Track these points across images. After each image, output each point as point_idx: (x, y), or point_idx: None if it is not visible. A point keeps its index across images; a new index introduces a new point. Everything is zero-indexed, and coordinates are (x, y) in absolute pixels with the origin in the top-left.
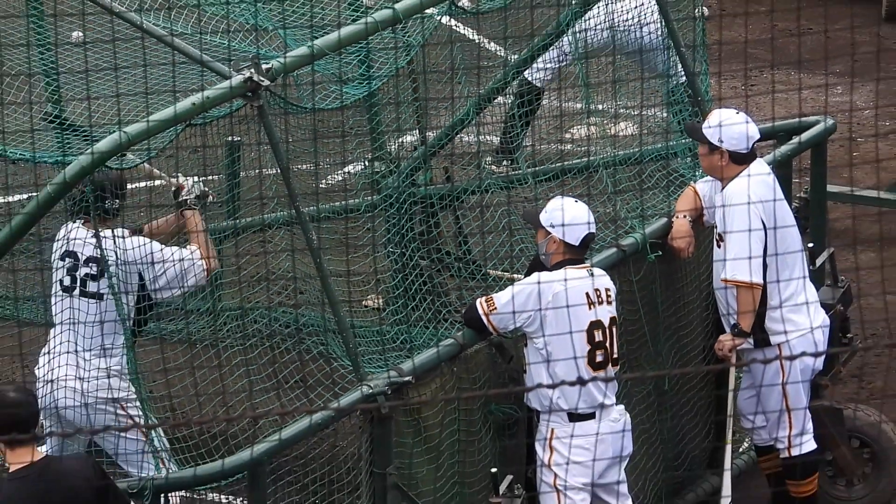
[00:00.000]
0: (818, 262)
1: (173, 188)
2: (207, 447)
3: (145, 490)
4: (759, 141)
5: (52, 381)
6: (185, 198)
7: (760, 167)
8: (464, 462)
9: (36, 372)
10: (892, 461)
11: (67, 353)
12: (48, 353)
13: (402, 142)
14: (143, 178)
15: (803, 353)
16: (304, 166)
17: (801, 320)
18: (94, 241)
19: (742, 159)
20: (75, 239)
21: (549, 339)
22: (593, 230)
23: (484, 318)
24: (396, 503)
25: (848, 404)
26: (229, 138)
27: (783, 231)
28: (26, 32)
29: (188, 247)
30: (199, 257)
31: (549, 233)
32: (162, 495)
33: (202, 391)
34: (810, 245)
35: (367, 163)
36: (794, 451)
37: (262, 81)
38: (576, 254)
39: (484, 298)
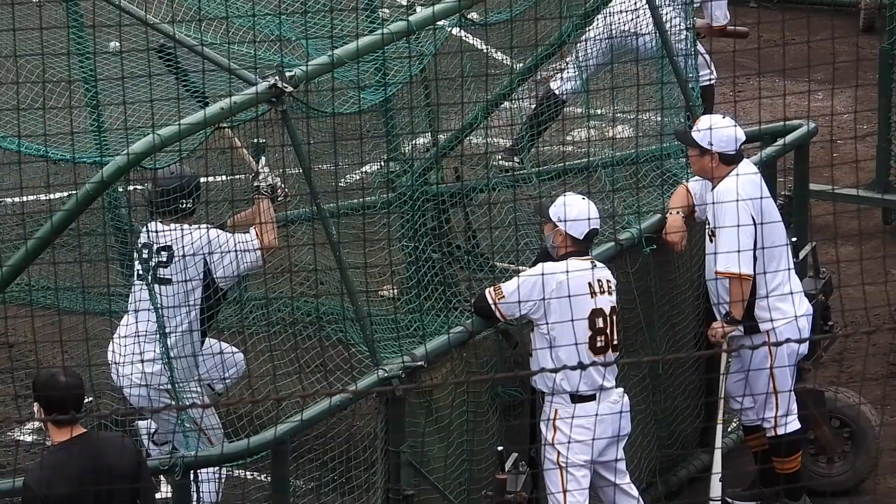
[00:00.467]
0: (801, 255)
1: (251, 173)
2: (234, 427)
3: (176, 466)
4: (745, 143)
5: (121, 363)
6: (258, 184)
7: (748, 167)
8: (472, 441)
9: (109, 355)
10: (869, 440)
11: (138, 335)
12: (124, 336)
13: (416, 143)
14: (226, 148)
15: (788, 340)
16: (325, 166)
17: (787, 308)
18: (167, 233)
19: (731, 160)
20: (153, 232)
21: (553, 326)
22: (597, 226)
23: (492, 306)
24: (409, 479)
25: (829, 387)
26: (255, 140)
27: (770, 226)
28: (67, 42)
29: (249, 231)
30: (256, 242)
31: (557, 226)
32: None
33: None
34: (794, 239)
35: (382, 163)
36: (780, 431)
37: (286, 88)
38: (580, 247)
39: (492, 288)
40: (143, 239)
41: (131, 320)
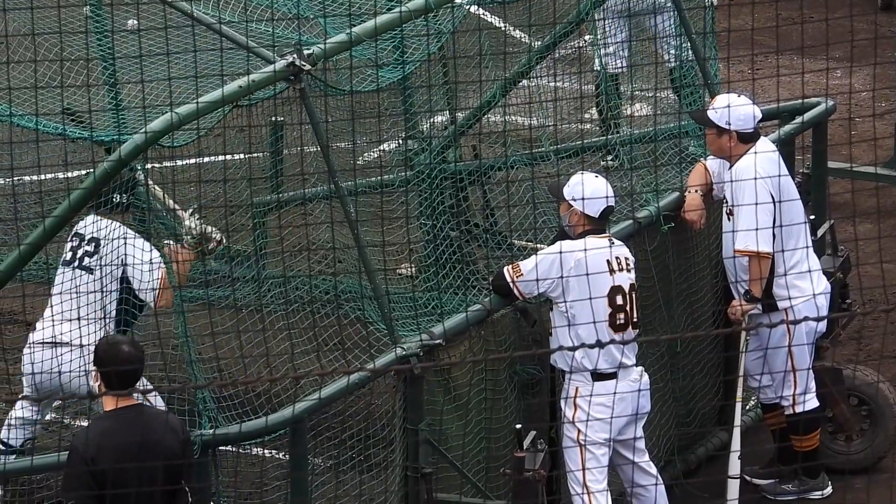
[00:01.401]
0: (819, 233)
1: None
2: (252, 405)
3: (195, 445)
4: (763, 121)
5: (54, 345)
6: (185, 234)
7: (766, 145)
8: (490, 419)
9: (31, 336)
10: (888, 418)
11: (69, 320)
12: (50, 317)
13: (434, 122)
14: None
15: (806, 318)
16: (343, 144)
17: (806, 286)
18: (101, 226)
19: (748, 138)
20: (87, 224)
21: (572, 304)
22: (612, 203)
23: (511, 284)
24: (427, 457)
25: (847, 365)
26: (273, 118)
27: (788, 204)
28: (85, 21)
29: (157, 270)
30: (156, 284)
31: (571, 205)
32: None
33: (247, 353)
34: (812, 217)
35: (400, 141)
36: (798, 409)
37: (304, 66)
38: (596, 225)
39: (511, 266)
40: (77, 228)
41: (64, 305)
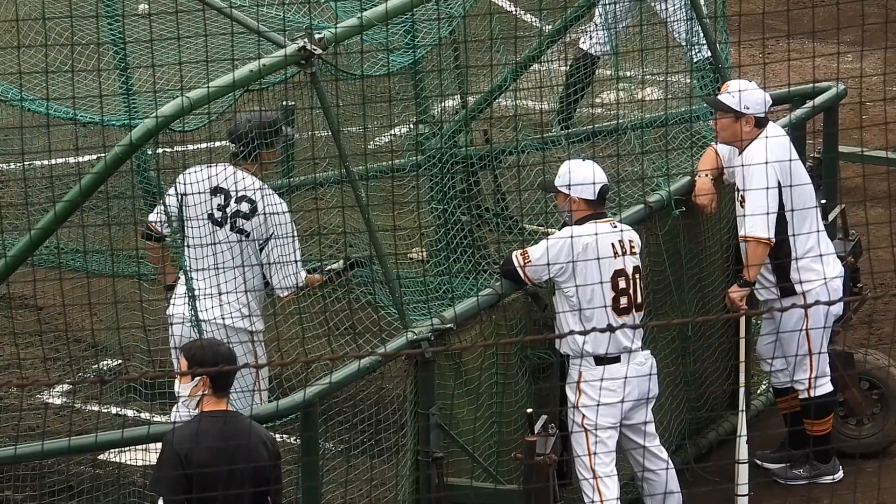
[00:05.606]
0: (830, 217)
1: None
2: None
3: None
4: (773, 105)
5: (196, 315)
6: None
7: (776, 129)
8: (501, 403)
9: (174, 302)
10: None
11: (212, 286)
12: (193, 282)
13: (445, 106)
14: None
15: (818, 302)
16: (354, 129)
17: (821, 270)
18: (249, 182)
19: (761, 122)
20: (228, 177)
21: (577, 288)
22: (605, 181)
23: (519, 269)
24: (438, 441)
25: (858, 349)
26: (284, 103)
27: (799, 188)
28: (96, 4)
29: (302, 273)
30: (297, 282)
31: (567, 194)
32: None
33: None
34: (823, 201)
35: (411, 125)
36: (813, 393)
37: (315, 50)
38: (595, 208)
39: (519, 251)
40: (215, 182)
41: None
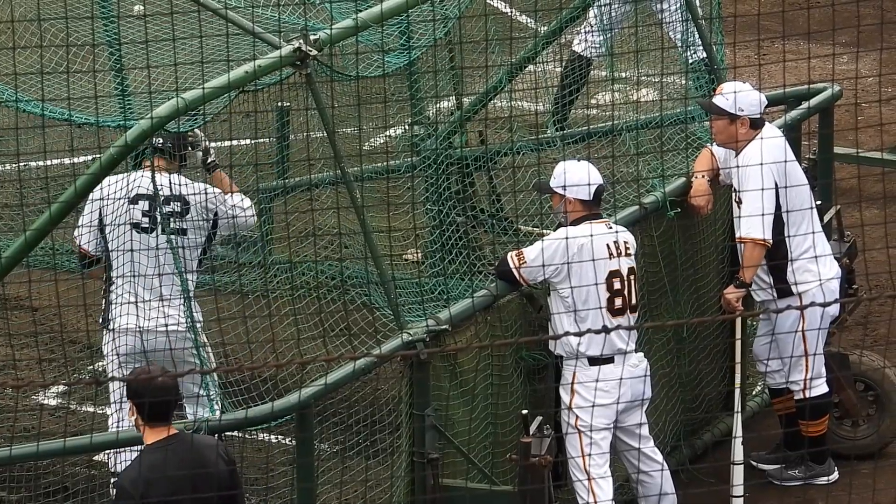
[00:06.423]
0: (825, 218)
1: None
2: (258, 391)
3: (200, 430)
4: (768, 106)
5: (141, 326)
6: (213, 159)
7: (772, 131)
8: (496, 404)
9: (112, 311)
10: (894, 403)
11: (152, 293)
12: (126, 293)
13: (440, 107)
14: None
15: (813, 303)
16: (349, 130)
17: (818, 271)
18: (175, 180)
19: (756, 124)
20: (148, 182)
21: (571, 289)
22: (600, 182)
23: (514, 271)
24: (434, 442)
25: (854, 350)
26: (279, 104)
27: (796, 189)
28: (91, 6)
29: (234, 195)
30: (248, 201)
31: (562, 195)
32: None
33: (253, 339)
34: (818, 203)
35: (407, 126)
36: (808, 394)
37: (310, 51)
38: (591, 209)
39: (515, 253)
40: (134, 191)
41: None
